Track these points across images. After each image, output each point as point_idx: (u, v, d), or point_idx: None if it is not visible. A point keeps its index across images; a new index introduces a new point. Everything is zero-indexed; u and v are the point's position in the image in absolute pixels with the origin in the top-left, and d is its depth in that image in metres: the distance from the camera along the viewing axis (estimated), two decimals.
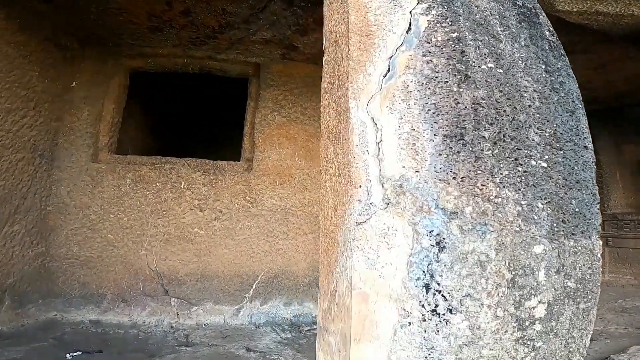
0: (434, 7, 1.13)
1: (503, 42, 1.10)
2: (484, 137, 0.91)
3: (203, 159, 3.51)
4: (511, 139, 0.94)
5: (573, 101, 1.07)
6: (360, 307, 0.87)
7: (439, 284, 0.89)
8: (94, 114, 3.39)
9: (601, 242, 0.99)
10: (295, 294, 3.36)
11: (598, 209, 0.99)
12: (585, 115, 1.07)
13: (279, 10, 2.89)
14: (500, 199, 0.89)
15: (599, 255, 0.98)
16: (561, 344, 0.97)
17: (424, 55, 1.05)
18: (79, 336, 2.71)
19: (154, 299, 3.13)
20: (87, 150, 3.32)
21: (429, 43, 1.07)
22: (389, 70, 1.04)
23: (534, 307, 0.92)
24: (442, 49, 1.06)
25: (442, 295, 0.88)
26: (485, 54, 1.04)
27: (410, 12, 1.14)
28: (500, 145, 0.91)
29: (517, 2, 1.23)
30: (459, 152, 0.88)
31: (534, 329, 0.93)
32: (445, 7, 1.12)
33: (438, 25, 1.10)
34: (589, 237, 0.97)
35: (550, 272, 0.91)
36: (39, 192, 3.08)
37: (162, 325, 3.03)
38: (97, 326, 2.94)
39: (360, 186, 0.93)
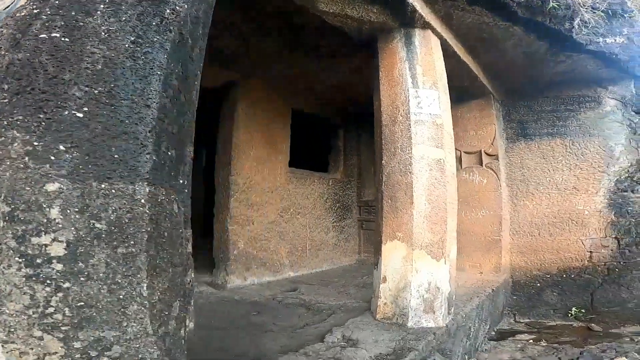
0: None
1: (94, 17, 1.11)
2: (2, 89, 0.97)
3: None
4: (42, 92, 0.99)
5: (152, 68, 1.16)
6: None
7: None
8: None
9: (149, 190, 1.06)
10: None
11: (149, 158, 1.07)
12: (160, 81, 1.16)
13: None
14: (3, 138, 0.92)
15: (143, 201, 1.02)
16: (102, 289, 0.96)
17: None
18: None
19: None
20: None
21: None
22: None
23: (46, 245, 0.92)
24: None
25: None
26: (59, 27, 1.06)
27: None
28: (23, 96, 0.98)
29: None
30: None
31: (53, 268, 0.92)
32: None
33: None
34: (132, 182, 1.03)
35: (68, 211, 0.95)
36: None
37: None
38: None
39: None
